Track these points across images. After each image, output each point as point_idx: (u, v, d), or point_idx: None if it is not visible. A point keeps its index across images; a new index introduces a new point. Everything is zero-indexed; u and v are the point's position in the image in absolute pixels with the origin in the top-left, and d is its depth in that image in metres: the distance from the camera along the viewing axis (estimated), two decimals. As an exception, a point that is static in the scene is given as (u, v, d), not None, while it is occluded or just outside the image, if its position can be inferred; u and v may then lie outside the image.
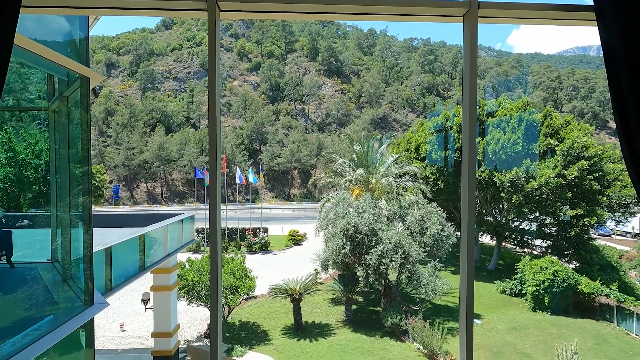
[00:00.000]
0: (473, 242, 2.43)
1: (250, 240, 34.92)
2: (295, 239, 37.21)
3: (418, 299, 20.16)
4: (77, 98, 5.57)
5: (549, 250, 27.14)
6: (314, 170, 76.77)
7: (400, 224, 21.34)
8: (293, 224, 42.66)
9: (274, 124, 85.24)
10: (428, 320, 17.68)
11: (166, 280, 14.02)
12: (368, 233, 18.07)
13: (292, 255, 33.20)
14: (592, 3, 2.30)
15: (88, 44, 5.63)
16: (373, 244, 17.93)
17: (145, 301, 15.28)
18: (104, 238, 9.72)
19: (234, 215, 38.95)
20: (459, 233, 33.42)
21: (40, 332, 4.12)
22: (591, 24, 2.39)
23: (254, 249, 34.41)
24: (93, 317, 4.76)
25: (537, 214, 26.72)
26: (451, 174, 28.54)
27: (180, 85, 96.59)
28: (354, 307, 20.88)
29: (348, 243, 18.12)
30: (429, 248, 19.13)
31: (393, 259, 17.17)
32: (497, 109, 28.08)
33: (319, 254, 20.22)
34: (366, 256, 17.80)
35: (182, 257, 20.40)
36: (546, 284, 21.10)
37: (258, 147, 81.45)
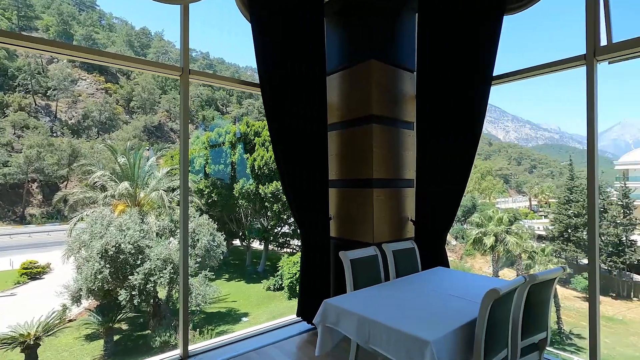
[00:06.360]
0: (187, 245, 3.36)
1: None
2: (33, 273, 28.93)
3: (189, 311, 20.31)
4: None
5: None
6: (65, 183, 62.01)
7: (172, 238, 20.95)
8: (30, 253, 32.96)
9: (-3, 121, 62.98)
10: (197, 330, 18.20)
11: None
12: (133, 252, 16.78)
13: (27, 293, 25.68)
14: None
15: None
16: (139, 262, 16.80)
17: None
18: None
19: None
20: (234, 242, 35.53)
21: None
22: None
23: (-45, 296, 24.24)
24: None
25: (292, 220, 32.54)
26: (224, 187, 30.44)
27: None
28: (115, 337, 18.62)
29: (107, 266, 16.16)
30: (200, 259, 19.76)
31: (162, 275, 16.71)
32: (263, 130, 32.38)
33: (68, 285, 16.90)
34: (130, 277, 16.46)
35: None
36: (298, 276, 26.04)
37: (-34, 151, 57.73)
